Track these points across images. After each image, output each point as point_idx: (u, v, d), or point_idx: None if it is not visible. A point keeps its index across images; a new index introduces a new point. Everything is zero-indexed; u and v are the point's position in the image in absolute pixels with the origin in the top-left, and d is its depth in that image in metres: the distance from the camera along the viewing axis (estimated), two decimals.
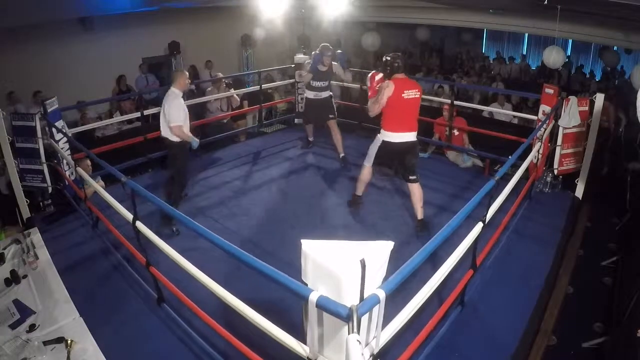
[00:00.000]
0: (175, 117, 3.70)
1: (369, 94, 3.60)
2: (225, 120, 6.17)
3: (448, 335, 2.49)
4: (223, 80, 5.91)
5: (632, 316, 2.53)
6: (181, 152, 3.89)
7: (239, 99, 6.07)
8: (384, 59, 3.52)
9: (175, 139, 3.81)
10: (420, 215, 3.63)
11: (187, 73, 3.90)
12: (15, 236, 3.61)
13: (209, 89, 6.09)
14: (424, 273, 1.98)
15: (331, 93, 5.23)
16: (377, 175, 4.37)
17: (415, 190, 3.60)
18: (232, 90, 5.93)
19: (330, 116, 5.15)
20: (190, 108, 4.28)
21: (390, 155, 3.69)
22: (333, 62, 4.93)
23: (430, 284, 1.97)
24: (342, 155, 5.08)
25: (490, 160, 4.90)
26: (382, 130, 3.56)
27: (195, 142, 3.91)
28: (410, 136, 3.53)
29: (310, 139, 5.70)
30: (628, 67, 9.97)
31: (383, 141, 3.56)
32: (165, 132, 3.83)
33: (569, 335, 2.85)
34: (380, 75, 3.52)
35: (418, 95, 3.45)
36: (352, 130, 6.08)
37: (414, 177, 3.59)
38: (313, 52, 4.98)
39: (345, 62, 5.08)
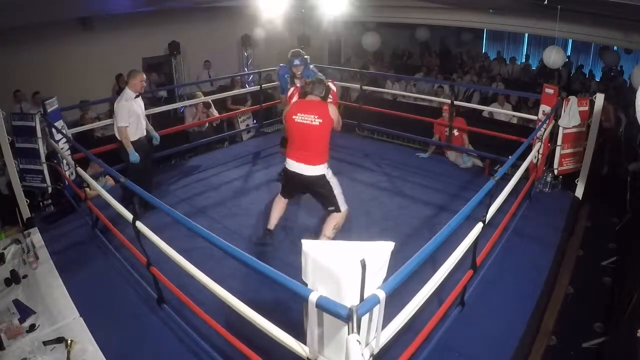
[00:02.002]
0: (119, 118, 3.72)
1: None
2: (204, 128, 6.21)
3: (448, 335, 2.49)
4: (202, 105, 5.96)
5: (632, 316, 2.53)
6: (128, 153, 3.81)
7: (217, 114, 6.09)
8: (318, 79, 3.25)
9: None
10: (322, 234, 3.14)
11: (143, 74, 3.85)
12: (15, 236, 3.61)
13: (187, 108, 6.15)
14: (423, 273, 1.98)
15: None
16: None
17: (332, 217, 3.14)
18: (212, 110, 6.00)
19: None
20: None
21: (294, 187, 3.20)
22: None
23: (430, 284, 1.97)
24: None
25: (490, 160, 4.90)
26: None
27: (135, 156, 3.80)
28: (305, 169, 2.99)
29: None
30: (628, 67, 9.97)
31: (284, 168, 3.16)
32: (115, 131, 3.87)
33: (569, 335, 2.85)
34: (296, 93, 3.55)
35: (316, 124, 2.92)
36: (352, 130, 6.08)
37: (332, 208, 3.13)
38: (280, 66, 4.36)
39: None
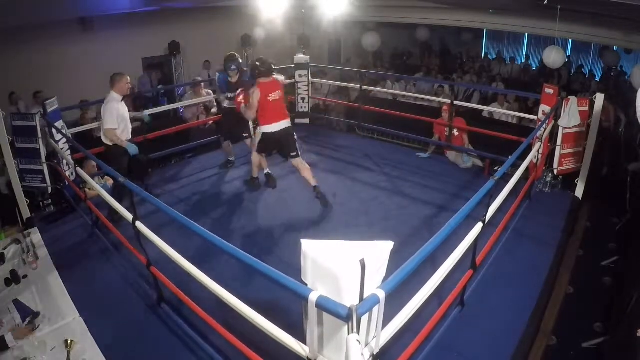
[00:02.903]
0: (108, 120, 3.69)
1: (241, 104, 4.25)
2: (207, 126, 6.15)
3: (448, 335, 2.49)
4: (202, 85, 5.94)
5: (632, 316, 2.53)
6: (115, 157, 3.77)
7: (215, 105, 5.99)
8: (252, 65, 4.10)
9: (108, 142, 3.79)
10: (313, 182, 4.14)
11: (127, 77, 3.85)
12: (15, 236, 3.61)
13: (187, 93, 6.05)
14: (423, 273, 1.98)
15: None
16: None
17: (299, 165, 4.16)
18: (213, 95, 5.91)
19: (244, 134, 4.89)
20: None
21: (272, 143, 4.19)
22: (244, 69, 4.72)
23: (430, 284, 1.97)
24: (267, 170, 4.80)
25: (490, 160, 4.90)
26: (260, 125, 4.11)
27: (133, 147, 3.80)
28: (284, 123, 4.10)
29: (231, 158, 5.15)
30: (628, 67, 9.97)
31: (264, 133, 4.09)
32: (103, 135, 3.82)
33: (569, 335, 2.85)
34: (241, 95, 4.28)
35: (280, 95, 4.08)
36: (352, 130, 6.08)
37: (294, 154, 4.14)
38: (217, 72, 4.84)
39: (221, 84, 4.78)
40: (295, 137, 4.20)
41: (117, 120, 3.72)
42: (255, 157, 4.36)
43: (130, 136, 3.97)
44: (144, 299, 2.91)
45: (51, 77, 6.91)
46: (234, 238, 3.59)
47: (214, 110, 6.17)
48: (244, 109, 4.13)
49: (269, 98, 3.99)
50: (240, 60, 4.67)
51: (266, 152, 4.37)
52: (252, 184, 4.54)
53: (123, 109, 3.84)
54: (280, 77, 4.28)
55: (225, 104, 4.83)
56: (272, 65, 4.13)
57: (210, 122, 6.06)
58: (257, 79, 4.01)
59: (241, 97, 4.27)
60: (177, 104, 6.43)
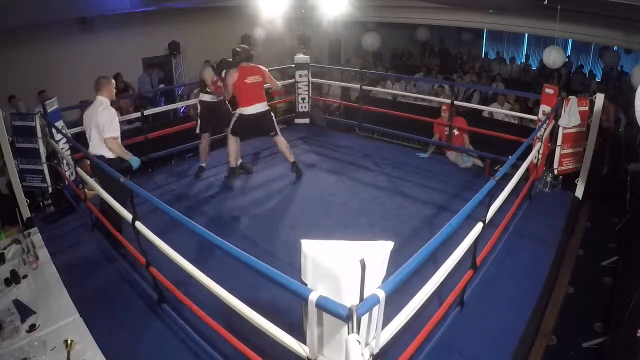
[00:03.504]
0: (110, 128, 3.28)
1: (215, 89, 4.43)
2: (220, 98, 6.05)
3: (448, 335, 2.49)
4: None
5: (632, 316, 2.53)
6: (111, 178, 2.97)
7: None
8: (233, 50, 4.36)
9: (110, 154, 3.36)
10: (291, 158, 4.63)
11: (113, 80, 3.53)
12: (15, 236, 3.61)
13: (195, 91, 5.84)
14: (424, 273, 1.98)
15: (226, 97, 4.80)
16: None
17: (278, 141, 4.53)
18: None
19: (225, 129, 4.67)
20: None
21: (248, 125, 4.42)
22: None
23: (430, 284, 1.97)
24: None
25: (491, 160, 4.90)
26: (238, 108, 4.39)
27: (135, 160, 3.43)
28: (261, 106, 4.36)
29: (203, 164, 4.91)
30: (628, 67, 9.97)
31: (240, 115, 4.35)
32: (97, 147, 3.35)
33: (569, 335, 2.85)
34: (216, 78, 4.40)
35: (260, 80, 4.35)
36: (352, 130, 6.08)
37: (273, 133, 4.50)
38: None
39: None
40: (274, 117, 4.50)
41: (118, 126, 3.40)
42: (232, 142, 4.47)
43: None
44: (144, 299, 2.91)
45: (51, 77, 6.90)
46: (234, 238, 3.59)
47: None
48: (223, 91, 4.39)
49: (246, 80, 4.24)
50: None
51: (241, 134, 4.52)
52: (232, 175, 4.62)
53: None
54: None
55: (208, 98, 4.68)
56: (252, 54, 4.43)
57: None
58: (238, 63, 4.26)
59: (219, 82, 4.39)
60: (177, 104, 6.41)
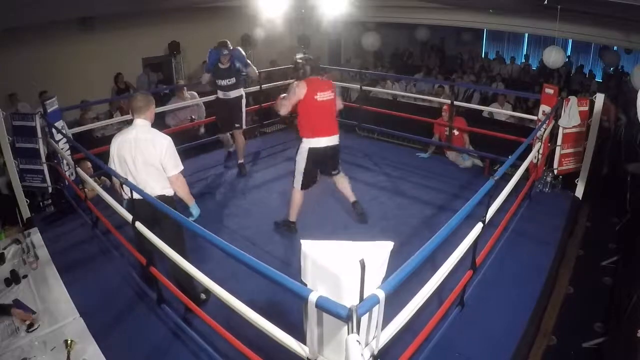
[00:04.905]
0: (175, 161, 2.60)
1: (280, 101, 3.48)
2: (201, 131, 5.95)
3: (448, 336, 2.49)
4: (184, 88, 5.79)
5: (632, 316, 2.53)
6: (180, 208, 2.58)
7: (203, 110, 5.81)
8: (295, 61, 3.40)
9: (170, 193, 2.68)
10: (352, 198, 3.76)
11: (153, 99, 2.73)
12: (15, 236, 3.61)
13: (173, 98, 5.81)
14: (423, 273, 1.98)
15: (242, 93, 4.78)
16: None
17: (340, 180, 3.71)
18: (198, 98, 5.72)
19: (237, 125, 4.74)
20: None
21: (316, 164, 3.45)
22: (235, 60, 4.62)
23: (430, 284, 1.97)
24: (240, 161, 4.92)
25: (490, 160, 4.90)
26: (304, 139, 3.38)
27: (196, 209, 2.77)
28: (335, 139, 3.44)
29: (231, 149, 5.16)
30: (628, 67, 9.97)
31: (309, 149, 3.35)
32: (158, 186, 2.63)
33: (569, 335, 2.85)
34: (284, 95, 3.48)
35: (332, 98, 3.38)
36: (352, 130, 6.08)
37: (336, 172, 3.65)
38: (210, 50, 4.71)
39: (244, 58, 4.68)
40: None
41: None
42: (297, 195, 3.52)
43: None
44: (144, 299, 2.91)
45: (51, 77, 6.90)
46: (233, 238, 3.59)
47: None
48: (280, 101, 3.42)
49: (316, 97, 3.27)
50: (231, 47, 4.59)
51: (311, 182, 3.51)
52: (289, 229, 3.68)
53: None
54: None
55: (220, 94, 4.71)
56: (319, 64, 3.59)
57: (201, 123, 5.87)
58: (304, 77, 3.34)
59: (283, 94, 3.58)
60: (177, 104, 6.36)
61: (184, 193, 2.69)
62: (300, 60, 3.37)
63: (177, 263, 2.21)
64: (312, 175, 3.49)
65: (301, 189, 3.49)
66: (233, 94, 4.70)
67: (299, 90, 3.27)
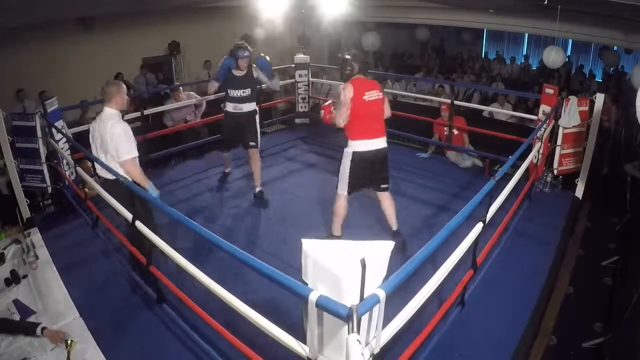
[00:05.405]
0: (124, 148, 2.74)
1: (326, 117, 3.30)
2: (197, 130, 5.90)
3: (448, 335, 2.49)
4: (180, 89, 5.65)
5: (632, 316, 2.53)
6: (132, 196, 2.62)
7: (203, 103, 5.47)
8: (343, 58, 3.16)
9: (127, 176, 2.78)
10: (395, 225, 3.37)
11: (124, 87, 2.92)
12: (15, 236, 3.61)
13: (168, 100, 5.71)
14: (424, 273, 1.98)
15: (256, 108, 4.13)
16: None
17: (387, 199, 3.33)
18: (193, 94, 5.58)
19: (251, 143, 4.07)
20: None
21: (363, 170, 3.20)
22: (253, 66, 4.01)
23: (430, 284, 1.97)
24: (258, 189, 4.21)
25: (490, 160, 4.90)
26: (349, 142, 3.13)
27: (155, 191, 2.83)
28: (383, 142, 3.18)
29: (227, 170, 4.63)
30: (628, 67, 9.98)
31: (354, 153, 3.12)
32: (109, 170, 2.79)
33: (569, 335, 2.85)
34: (331, 106, 3.27)
35: (380, 97, 3.12)
36: None
37: (385, 186, 3.30)
38: (224, 57, 3.92)
39: (270, 68, 4.16)
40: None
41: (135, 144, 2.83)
42: (341, 201, 3.26)
43: None
44: (144, 298, 2.91)
45: (51, 77, 6.90)
46: (234, 238, 3.59)
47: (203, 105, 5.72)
48: (335, 114, 3.14)
49: (364, 97, 3.04)
50: (251, 50, 3.89)
51: (356, 188, 3.26)
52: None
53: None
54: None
55: (230, 107, 4.07)
56: (367, 62, 3.29)
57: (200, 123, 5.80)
58: (350, 77, 3.11)
59: (332, 107, 3.30)
60: (176, 104, 6.37)
61: (137, 177, 2.80)
62: (348, 57, 3.11)
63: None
64: (359, 180, 3.23)
65: (347, 193, 3.25)
66: (247, 107, 4.04)
67: (347, 93, 3.02)
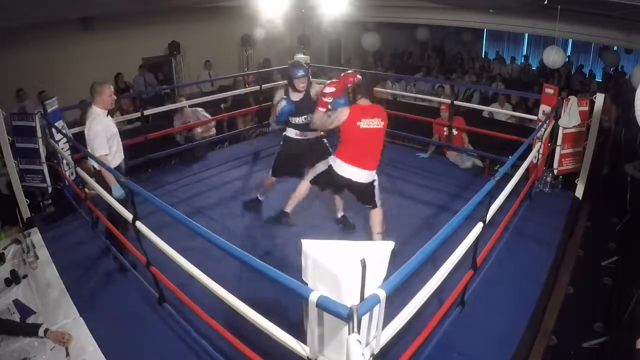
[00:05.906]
0: (97, 147, 3.01)
1: (318, 104, 3.09)
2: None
3: (448, 335, 2.49)
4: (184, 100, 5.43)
5: (632, 316, 2.53)
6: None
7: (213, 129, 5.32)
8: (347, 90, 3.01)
9: (114, 163, 3.16)
10: (378, 237, 3.22)
11: (108, 86, 3.12)
12: (15, 236, 3.61)
13: (176, 115, 5.50)
14: (424, 273, 1.98)
15: (322, 132, 3.61)
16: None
17: (374, 214, 3.23)
18: (201, 111, 5.38)
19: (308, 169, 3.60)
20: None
21: (334, 185, 3.21)
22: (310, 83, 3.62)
23: (430, 284, 1.97)
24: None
25: (490, 160, 4.90)
26: (333, 156, 3.09)
27: (118, 190, 2.97)
28: (362, 175, 3.02)
29: (262, 197, 4.01)
30: (628, 67, 9.98)
31: (330, 166, 3.07)
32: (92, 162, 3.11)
33: (569, 335, 2.85)
34: (333, 89, 3.02)
35: (381, 126, 2.95)
36: None
37: (370, 206, 3.21)
38: (283, 99, 3.49)
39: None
40: (376, 187, 3.17)
41: (108, 143, 3.07)
42: (303, 190, 3.33)
43: (123, 155, 3.36)
44: (144, 298, 2.91)
45: (51, 77, 6.90)
46: (234, 238, 3.59)
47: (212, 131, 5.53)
48: (317, 115, 3.09)
49: (359, 123, 2.89)
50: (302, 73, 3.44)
51: (321, 188, 3.33)
52: (276, 220, 3.62)
53: (112, 125, 3.18)
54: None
55: (292, 134, 3.64)
56: (373, 82, 3.03)
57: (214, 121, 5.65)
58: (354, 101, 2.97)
59: (329, 105, 3.08)
60: (176, 104, 6.37)
61: (104, 174, 3.04)
62: (350, 86, 2.97)
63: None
64: (325, 185, 3.29)
65: (310, 183, 3.27)
66: (312, 134, 3.59)
67: (340, 116, 2.92)
